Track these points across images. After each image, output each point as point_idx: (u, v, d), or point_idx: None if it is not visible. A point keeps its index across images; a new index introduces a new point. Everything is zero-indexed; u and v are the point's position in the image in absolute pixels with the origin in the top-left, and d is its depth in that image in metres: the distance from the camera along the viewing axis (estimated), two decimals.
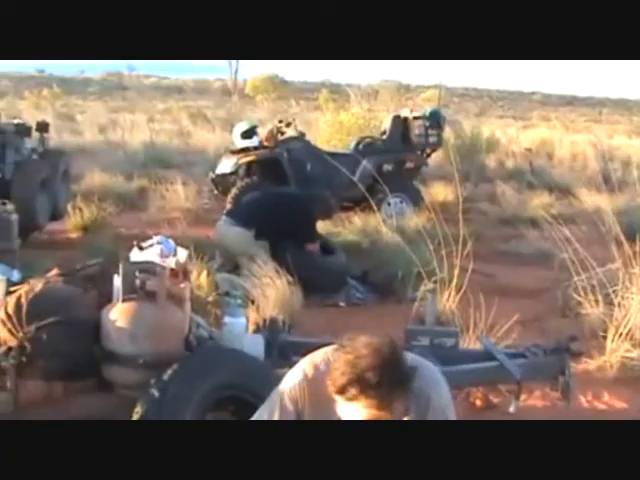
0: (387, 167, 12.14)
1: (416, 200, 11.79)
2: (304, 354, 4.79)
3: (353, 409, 2.75)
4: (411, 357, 3.08)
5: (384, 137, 12.42)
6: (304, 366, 3.10)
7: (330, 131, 16.68)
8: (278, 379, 4.28)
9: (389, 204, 11.37)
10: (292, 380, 3.08)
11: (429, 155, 12.88)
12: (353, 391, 2.70)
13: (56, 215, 10.29)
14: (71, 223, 10.37)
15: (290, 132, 11.88)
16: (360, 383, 2.68)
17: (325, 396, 2.93)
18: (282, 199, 8.46)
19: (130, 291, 4.03)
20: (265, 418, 3.08)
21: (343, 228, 10.19)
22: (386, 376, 2.68)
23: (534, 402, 5.58)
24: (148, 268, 4.14)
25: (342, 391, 2.73)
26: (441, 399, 3.02)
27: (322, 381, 2.96)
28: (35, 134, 10.55)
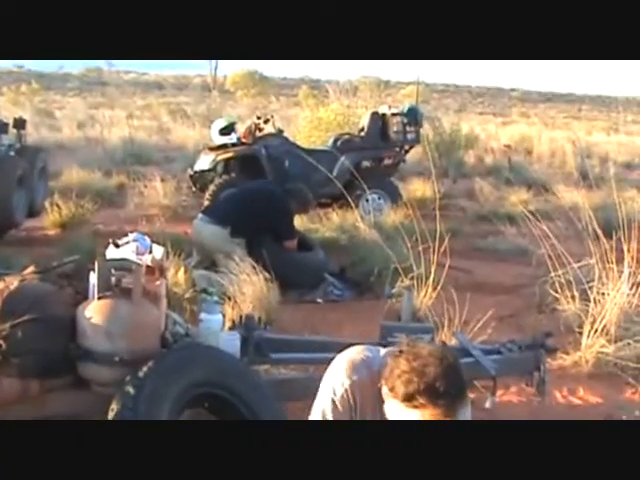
0: (365, 164, 12.16)
1: (394, 196, 11.81)
2: (281, 351, 4.85)
3: (417, 416, 2.75)
4: None
5: (362, 134, 12.41)
6: (346, 370, 3.09)
7: (309, 127, 16.68)
8: (254, 376, 4.33)
9: (367, 200, 11.39)
10: (339, 386, 3.08)
11: (407, 152, 12.88)
12: (421, 400, 2.71)
13: (33, 212, 10.25)
14: (49, 220, 10.33)
15: (269, 128, 11.88)
16: (429, 392, 2.69)
17: (369, 399, 2.99)
18: (259, 194, 8.42)
19: (106, 288, 4.02)
20: None
21: (321, 225, 10.21)
22: (453, 385, 2.70)
23: (510, 398, 5.62)
24: (124, 265, 4.13)
25: (409, 399, 2.74)
26: None
27: (365, 384, 3.00)
28: (12, 130, 10.50)
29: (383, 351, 3.16)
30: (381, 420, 2.93)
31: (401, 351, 2.84)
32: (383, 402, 2.89)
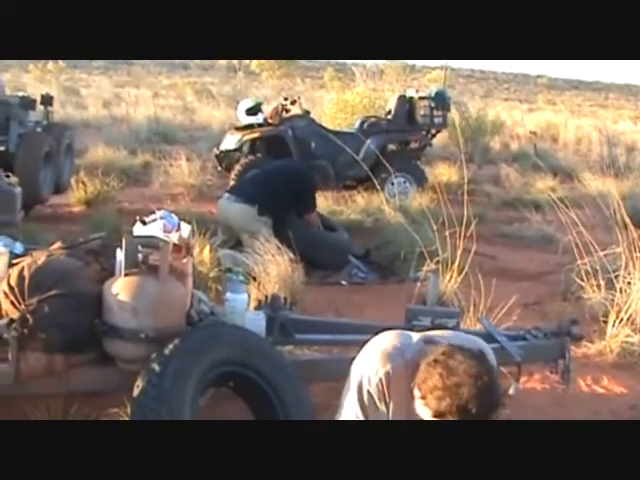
0: (391, 147, 12.19)
1: (420, 180, 11.78)
2: (305, 332, 4.83)
3: None
4: (474, 340, 3.23)
5: (389, 117, 12.35)
6: (380, 358, 3.07)
7: (335, 110, 16.67)
8: (279, 356, 4.32)
9: (393, 184, 11.38)
10: (373, 376, 3.06)
11: (434, 136, 12.84)
12: (450, 418, 2.70)
13: (59, 188, 10.30)
14: (74, 197, 10.36)
15: (295, 110, 11.85)
16: (460, 412, 2.68)
17: (403, 388, 2.97)
18: (284, 171, 8.46)
19: (132, 265, 4.02)
20: (360, 418, 3.08)
21: (346, 207, 10.22)
22: (484, 405, 2.68)
23: (534, 385, 5.60)
24: (151, 242, 4.13)
25: (439, 415, 2.73)
26: None
27: (400, 373, 2.98)
28: (39, 107, 10.53)
29: (415, 337, 3.14)
30: (401, 420, 2.92)
31: (436, 360, 2.80)
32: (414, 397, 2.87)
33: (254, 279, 6.34)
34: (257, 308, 4.87)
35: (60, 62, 48.70)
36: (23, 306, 3.92)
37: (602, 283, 6.83)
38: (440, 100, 12.23)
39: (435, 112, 12.17)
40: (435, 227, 7.26)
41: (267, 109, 11.96)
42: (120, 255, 4.07)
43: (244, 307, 4.68)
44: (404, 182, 11.67)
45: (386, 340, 3.14)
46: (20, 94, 10.48)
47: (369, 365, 3.07)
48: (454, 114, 15.98)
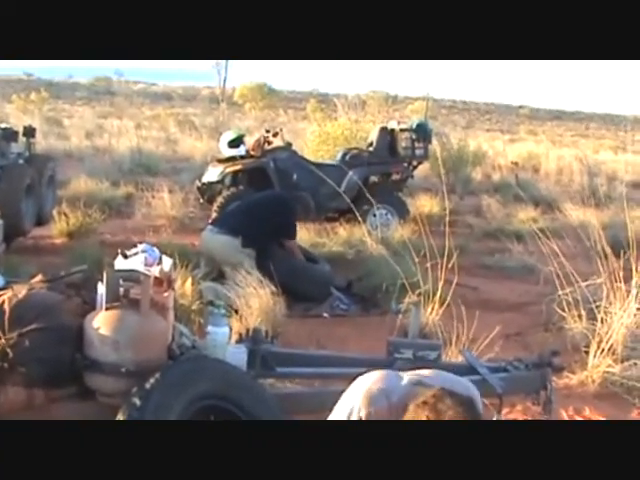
0: (373, 178, 12.21)
1: (402, 212, 11.78)
2: (287, 365, 4.83)
3: None
4: (465, 384, 3.25)
5: (371, 148, 12.39)
6: (363, 400, 3.06)
7: (317, 141, 16.70)
8: (260, 390, 4.31)
9: (374, 215, 11.35)
10: (355, 417, 3.05)
11: (415, 167, 12.87)
12: None
13: (41, 220, 10.25)
14: (56, 229, 10.33)
15: (277, 142, 11.87)
16: None
17: None
18: (266, 200, 8.57)
19: (114, 299, 4.02)
20: None
21: (328, 239, 10.19)
22: None
23: (515, 416, 5.58)
24: (132, 276, 4.13)
25: None
26: None
27: (383, 416, 2.97)
28: (22, 139, 10.51)
29: (405, 380, 3.13)
30: (384, 421, 2.92)
31: (425, 402, 2.79)
32: None
33: (236, 312, 6.34)
34: (238, 341, 4.87)
35: (43, 92, 48.71)
36: (3, 340, 3.90)
37: (583, 313, 6.86)
38: (421, 132, 12.27)
39: (416, 144, 12.20)
40: (417, 259, 7.28)
41: (249, 141, 11.97)
42: (101, 289, 4.07)
43: (225, 340, 4.68)
44: (386, 214, 11.67)
45: (371, 381, 3.13)
46: (2, 125, 10.45)
47: (352, 406, 3.07)
48: (435, 145, 16.05)
